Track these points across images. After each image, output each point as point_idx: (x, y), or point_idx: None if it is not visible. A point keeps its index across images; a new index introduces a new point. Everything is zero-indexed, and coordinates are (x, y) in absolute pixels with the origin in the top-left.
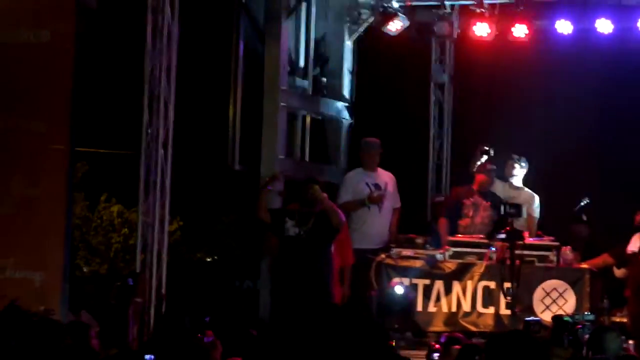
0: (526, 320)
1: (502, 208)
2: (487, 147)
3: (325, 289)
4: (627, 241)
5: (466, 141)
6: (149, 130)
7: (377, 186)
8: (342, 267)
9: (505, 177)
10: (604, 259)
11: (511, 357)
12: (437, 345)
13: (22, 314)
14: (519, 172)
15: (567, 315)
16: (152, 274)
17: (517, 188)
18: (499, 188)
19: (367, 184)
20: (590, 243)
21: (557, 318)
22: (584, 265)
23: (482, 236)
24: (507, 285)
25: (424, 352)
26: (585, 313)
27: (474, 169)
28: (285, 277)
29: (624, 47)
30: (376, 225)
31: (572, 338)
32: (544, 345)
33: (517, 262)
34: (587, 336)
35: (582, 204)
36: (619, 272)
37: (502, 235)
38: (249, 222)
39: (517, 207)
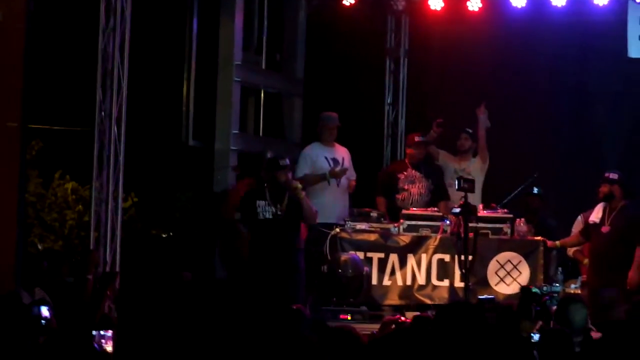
0: (480, 298)
1: (456, 183)
2: (441, 120)
3: (299, 268)
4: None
5: (421, 113)
6: (103, 107)
7: (335, 161)
8: None
9: (457, 149)
10: (577, 238)
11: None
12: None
13: None
14: (471, 145)
15: (536, 286)
16: (106, 250)
17: (468, 159)
18: (450, 161)
19: (325, 158)
20: (543, 216)
21: (525, 289)
22: (557, 244)
23: (436, 209)
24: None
25: (378, 326)
26: (554, 284)
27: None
28: (263, 261)
29: (577, 20)
30: (335, 200)
31: (539, 309)
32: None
33: (471, 234)
34: (554, 307)
35: (533, 177)
36: (570, 251)
37: (457, 210)
38: (204, 198)
39: (471, 182)
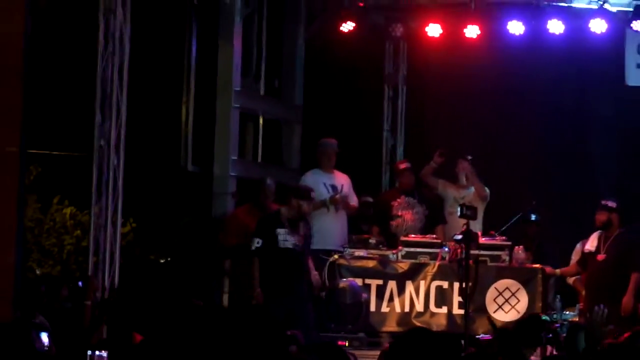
0: (477, 338)
1: (458, 210)
2: (443, 150)
3: (311, 294)
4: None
5: (419, 140)
6: (102, 132)
7: (334, 187)
8: None
9: (456, 176)
10: (576, 268)
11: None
12: None
13: None
14: (470, 172)
15: (546, 314)
16: (105, 276)
17: (468, 187)
18: (449, 189)
19: (324, 184)
20: (541, 243)
21: (534, 317)
22: (558, 272)
23: (434, 236)
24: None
25: (377, 352)
26: (565, 312)
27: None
28: (279, 288)
29: (575, 48)
30: (334, 226)
31: (551, 336)
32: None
33: (471, 261)
34: (564, 335)
35: (531, 204)
36: (570, 280)
37: (459, 237)
38: (203, 223)
39: (473, 210)
